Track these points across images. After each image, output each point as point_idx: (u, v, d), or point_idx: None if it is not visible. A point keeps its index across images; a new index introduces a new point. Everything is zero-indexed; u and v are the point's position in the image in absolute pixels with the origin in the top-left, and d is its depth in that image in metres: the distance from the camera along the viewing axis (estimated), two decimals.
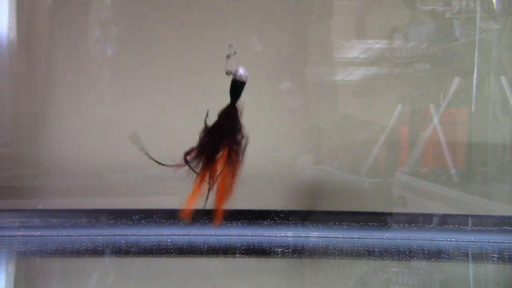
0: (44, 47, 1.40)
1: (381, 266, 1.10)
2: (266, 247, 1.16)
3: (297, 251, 1.17)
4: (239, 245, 1.18)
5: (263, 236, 1.23)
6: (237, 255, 1.08)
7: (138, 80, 1.39)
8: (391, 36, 1.51)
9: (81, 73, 1.40)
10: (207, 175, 0.89)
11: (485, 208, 1.36)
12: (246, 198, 1.32)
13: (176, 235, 1.23)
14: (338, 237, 1.24)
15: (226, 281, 1.01)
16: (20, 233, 1.21)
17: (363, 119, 1.49)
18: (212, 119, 0.90)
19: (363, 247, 1.18)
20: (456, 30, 1.50)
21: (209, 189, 0.89)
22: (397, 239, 1.24)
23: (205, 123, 0.91)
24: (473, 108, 1.50)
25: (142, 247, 1.16)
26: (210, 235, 1.23)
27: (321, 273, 1.07)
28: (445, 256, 1.17)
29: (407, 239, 1.24)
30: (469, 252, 1.19)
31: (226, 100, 1.00)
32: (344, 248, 1.19)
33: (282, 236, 1.24)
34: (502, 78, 1.51)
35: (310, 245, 1.21)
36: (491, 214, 1.28)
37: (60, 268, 1.07)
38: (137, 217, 1.25)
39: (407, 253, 1.17)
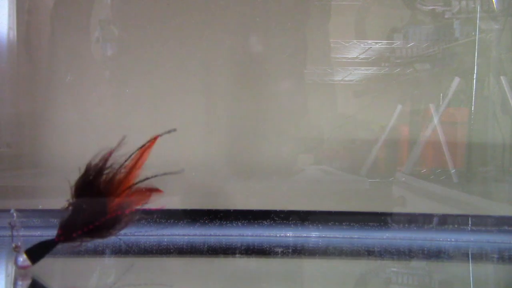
0: (44, 47, 1.40)
1: (381, 266, 1.10)
2: (266, 247, 1.16)
3: (297, 251, 1.16)
4: (239, 245, 1.18)
5: (263, 236, 1.23)
6: (237, 255, 1.08)
7: (138, 81, 1.39)
8: (391, 36, 1.52)
9: (81, 73, 1.40)
10: None
11: (485, 208, 1.36)
12: (246, 198, 1.32)
13: (176, 235, 1.23)
14: (338, 237, 1.24)
15: (226, 281, 1.01)
16: (20, 233, 1.21)
17: (363, 119, 1.49)
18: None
19: (363, 247, 1.18)
20: (456, 30, 1.50)
21: None
22: (397, 239, 1.24)
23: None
24: (473, 108, 1.50)
25: (142, 247, 1.15)
26: (210, 235, 1.23)
27: (321, 273, 1.07)
28: (445, 256, 1.17)
29: (407, 239, 1.24)
30: (469, 252, 1.19)
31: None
32: (344, 248, 1.19)
33: (282, 236, 1.24)
34: (502, 78, 1.51)
35: (310, 245, 1.21)
36: (491, 214, 1.28)
37: (60, 268, 1.07)
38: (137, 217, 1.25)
39: (407, 253, 1.17)
